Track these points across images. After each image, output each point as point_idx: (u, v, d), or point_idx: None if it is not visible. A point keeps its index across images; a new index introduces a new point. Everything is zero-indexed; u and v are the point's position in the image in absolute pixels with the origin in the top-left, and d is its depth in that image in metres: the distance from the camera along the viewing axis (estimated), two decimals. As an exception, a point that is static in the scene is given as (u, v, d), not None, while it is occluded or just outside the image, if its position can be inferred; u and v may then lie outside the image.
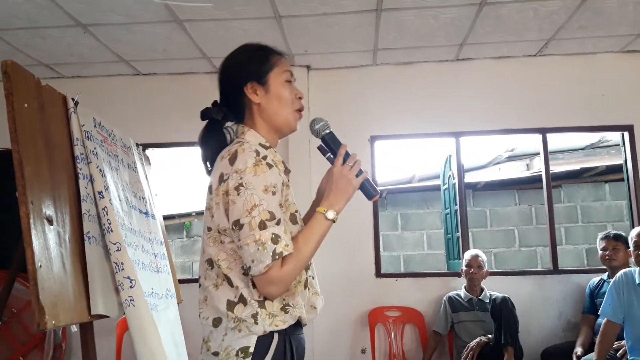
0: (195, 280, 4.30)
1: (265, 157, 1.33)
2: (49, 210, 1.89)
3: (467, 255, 3.93)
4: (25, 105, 1.88)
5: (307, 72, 4.38)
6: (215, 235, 1.36)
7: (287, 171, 1.47)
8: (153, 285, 2.42)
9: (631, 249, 3.14)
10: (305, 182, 3.95)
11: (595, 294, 3.67)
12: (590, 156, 6.75)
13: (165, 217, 3.59)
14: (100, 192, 2.16)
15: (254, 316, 1.31)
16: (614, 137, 5.94)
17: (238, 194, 1.28)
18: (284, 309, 1.35)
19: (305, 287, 1.42)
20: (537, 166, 6.43)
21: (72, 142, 2.16)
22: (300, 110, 1.49)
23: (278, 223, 1.29)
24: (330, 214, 1.37)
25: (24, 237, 1.74)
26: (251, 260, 1.27)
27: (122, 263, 2.13)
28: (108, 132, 2.51)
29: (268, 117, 1.45)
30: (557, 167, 6.29)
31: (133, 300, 2.11)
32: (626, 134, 4.26)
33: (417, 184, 7.08)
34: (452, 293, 3.94)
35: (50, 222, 1.89)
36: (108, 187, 2.23)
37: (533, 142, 5.41)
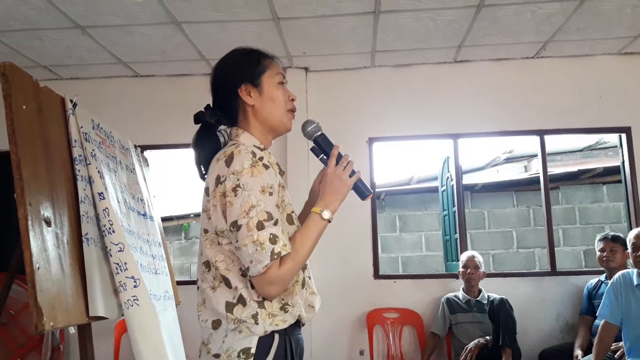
0: (194, 282, 4.29)
1: (261, 159, 1.34)
2: (47, 212, 1.89)
3: (464, 256, 3.94)
4: (24, 106, 1.88)
5: (305, 74, 4.38)
6: (212, 237, 1.36)
7: (281, 173, 1.49)
8: (151, 287, 2.42)
9: (629, 250, 3.15)
10: (303, 184, 3.95)
11: (593, 295, 3.67)
12: (588, 158, 6.76)
13: (164, 219, 3.59)
14: (100, 194, 2.16)
15: (254, 316, 1.31)
16: (612, 138, 5.96)
17: (235, 195, 1.29)
18: (284, 308, 1.35)
19: (303, 286, 1.43)
20: (535, 168, 6.44)
21: (70, 143, 2.16)
22: (292, 110, 1.51)
23: (275, 223, 1.29)
24: (326, 214, 1.38)
25: (21, 238, 1.73)
26: (249, 261, 1.27)
27: (125, 263, 2.12)
28: (106, 133, 2.51)
29: (263, 118, 1.46)
30: (555, 169, 6.30)
31: (137, 300, 2.11)
32: (624, 135, 4.27)
33: (415, 186, 7.09)
34: (450, 294, 3.94)
35: (48, 223, 1.88)
36: (107, 188, 2.23)
37: (531, 143, 5.43)
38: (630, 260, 3.13)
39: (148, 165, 3.17)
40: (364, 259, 4.25)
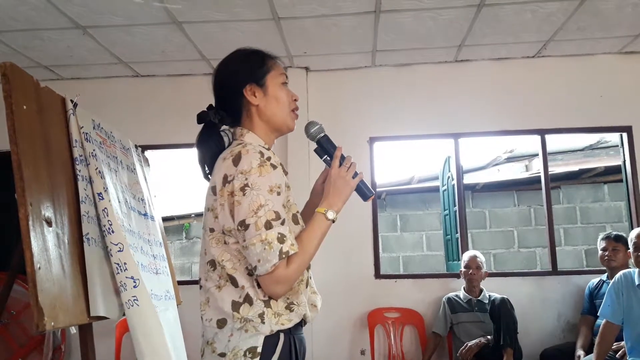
0: (195, 282, 4.30)
1: (269, 158, 1.35)
2: (47, 212, 1.89)
3: (466, 256, 3.94)
4: (24, 107, 1.88)
5: (306, 74, 4.38)
6: (218, 236, 1.37)
7: (285, 173, 1.49)
8: (152, 287, 2.42)
9: (631, 250, 3.14)
10: (304, 184, 3.94)
11: (595, 295, 3.67)
12: (589, 157, 6.76)
13: (165, 219, 3.58)
14: (99, 194, 2.16)
15: (261, 316, 1.32)
16: (613, 138, 5.96)
17: (244, 195, 1.29)
18: (289, 307, 1.37)
19: (306, 286, 1.44)
20: (536, 167, 6.44)
21: (71, 143, 2.16)
22: (295, 110, 1.52)
23: (283, 223, 1.31)
24: (331, 214, 1.40)
25: (22, 238, 1.73)
26: (257, 260, 1.28)
27: (125, 263, 2.12)
28: (107, 133, 2.51)
29: (267, 118, 1.47)
30: (556, 168, 6.30)
31: (137, 300, 2.11)
32: (625, 135, 4.27)
33: (416, 185, 7.09)
34: (452, 294, 3.94)
35: (49, 223, 1.88)
36: (107, 188, 2.23)
37: (532, 143, 5.42)
38: (632, 260, 3.13)
39: (149, 165, 3.16)
40: (365, 258, 4.25)
